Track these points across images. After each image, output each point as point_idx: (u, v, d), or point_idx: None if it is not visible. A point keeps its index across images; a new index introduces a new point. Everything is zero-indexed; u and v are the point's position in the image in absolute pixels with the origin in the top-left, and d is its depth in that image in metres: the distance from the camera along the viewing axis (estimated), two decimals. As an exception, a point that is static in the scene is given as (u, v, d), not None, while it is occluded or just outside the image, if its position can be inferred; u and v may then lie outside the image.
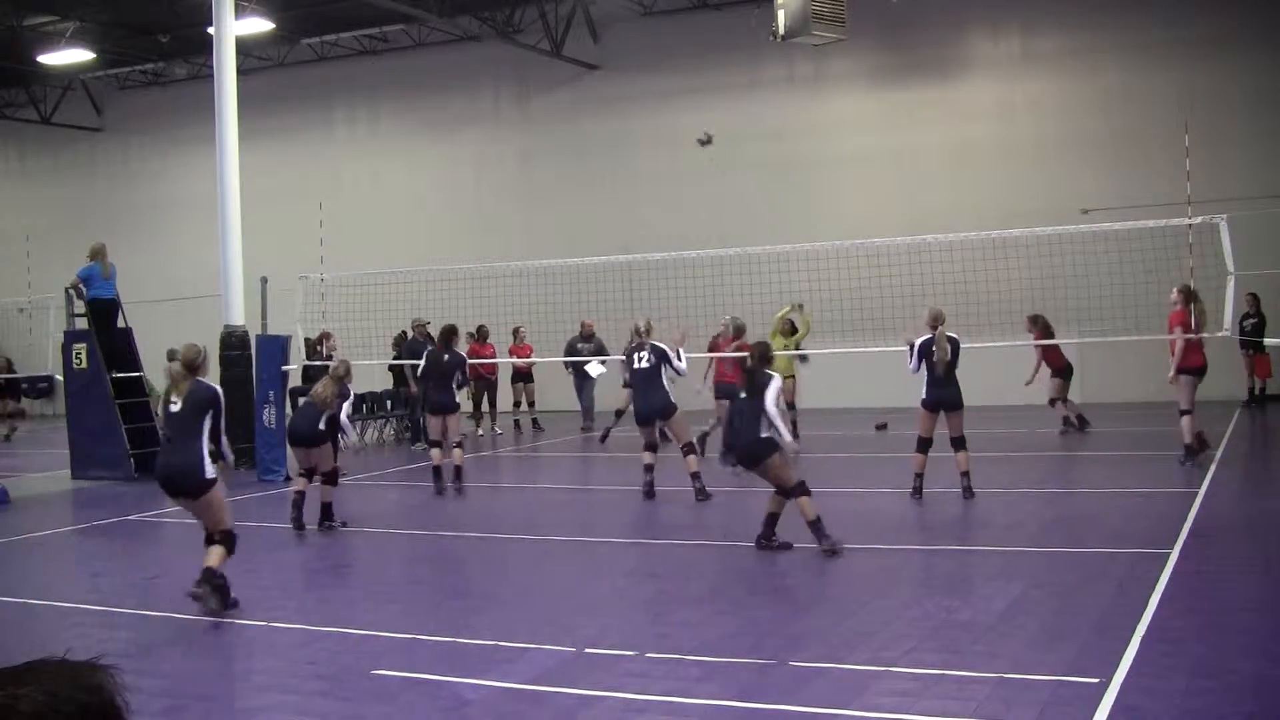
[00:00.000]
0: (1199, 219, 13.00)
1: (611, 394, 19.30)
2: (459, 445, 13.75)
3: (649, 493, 12.15)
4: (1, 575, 9.77)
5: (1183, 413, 13.08)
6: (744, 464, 9.34)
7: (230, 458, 8.30)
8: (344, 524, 11.26)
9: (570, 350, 20.48)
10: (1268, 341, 16.97)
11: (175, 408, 7.77)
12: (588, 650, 6.47)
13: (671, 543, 10.09)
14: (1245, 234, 14.23)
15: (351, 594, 8.77)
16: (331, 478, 11.33)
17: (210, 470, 7.66)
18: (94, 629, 7.46)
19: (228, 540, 7.69)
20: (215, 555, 7.62)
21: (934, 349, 11.24)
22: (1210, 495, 11.00)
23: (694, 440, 12.78)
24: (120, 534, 11.82)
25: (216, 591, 7.53)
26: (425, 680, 6.06)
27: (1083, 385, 21.32)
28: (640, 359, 12.37)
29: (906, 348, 11.58)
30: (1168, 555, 8.31)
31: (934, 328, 11.34)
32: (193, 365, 7.90)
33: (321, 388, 11.48)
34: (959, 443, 11.37)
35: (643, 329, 12.70)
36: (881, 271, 15.98)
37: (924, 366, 11.34)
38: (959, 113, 23.17)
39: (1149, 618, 6.64)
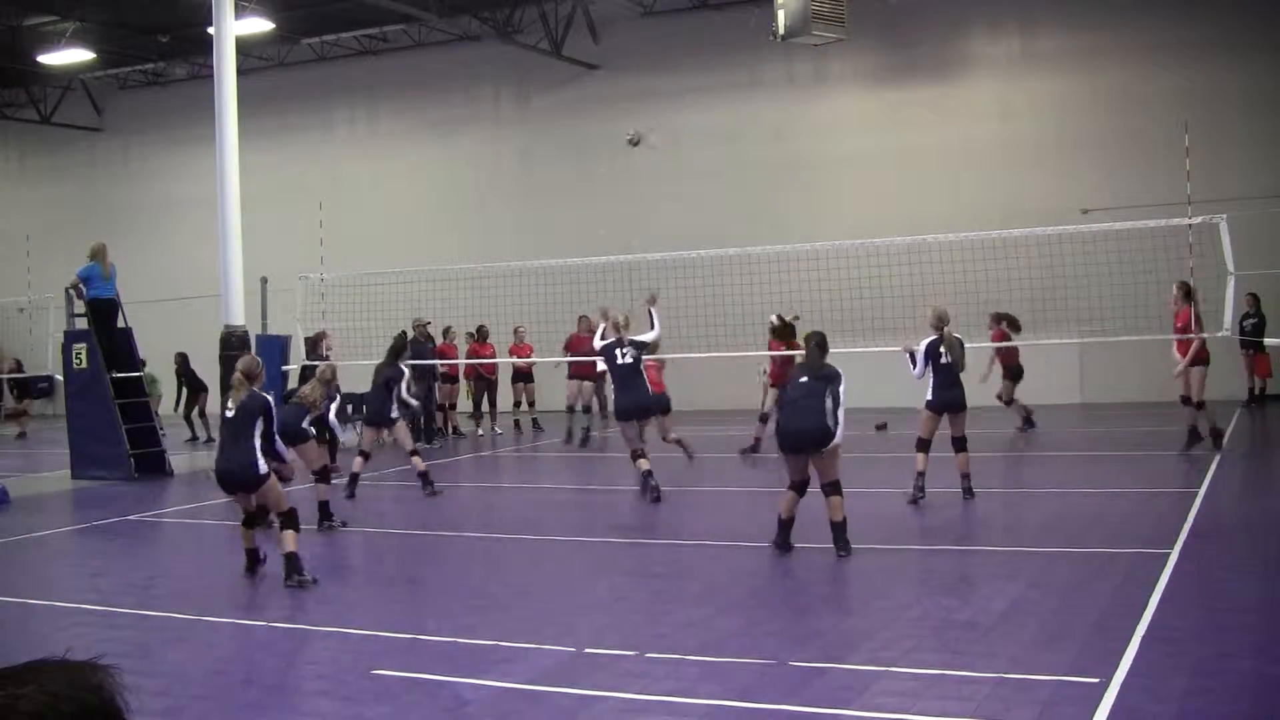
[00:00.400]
0: (1199, 219, 13.01)
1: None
2: (412, 453, 13.44)
3: (656, 497, 11.79)
4: (1, 575, 9.77)
5: (1199, 404, 13.64)
6: (815, 446, 8.73)
7: (287, 456, 9.12)
8: (344, 524, 11.20)
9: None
10: (1268, 341, 16.97)
11: (230, 413, 8.63)
12: (588, 650, 6.47)
13: (671, 543, 10.09)
14: (1245, 234, 14.24)
15: (351, 594, 8.77)
16: (323, 475, 11.21)
17: (263, 466, 8.50)
18: (94, 629, 7.46)
19: (291, 519, 8.52)
20: (290, 539, 8.45)
21: (942, 350, 10.98)
22: (1210, 495, 11.00)
23: (682, 438, 13.73)
24: (120, 534, 11.81)
25: (299, 569, 8.38)
26: (425, 680, 6.06)
27: (1083, 385, 21.37)
28: (624, 355, 12.12)
29: (906, 355, 11.32)
30: (1168, 555, 8.30)
31: (940, 329, 11.09)
32: (251, 375, 8.71)
33: (310, 390, 11.46)
34: (961, 443, 11.22)
35: (621, 323, 12.36)
36: (881, 271, 15.99)
37: (929, 369, 11.09)
38: (959, 113, 23.17)
39: (1149, 618, 6.63)
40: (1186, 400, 13.94)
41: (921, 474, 11.13)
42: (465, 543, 10.78)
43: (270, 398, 8.76)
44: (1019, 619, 6.89)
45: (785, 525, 8.89)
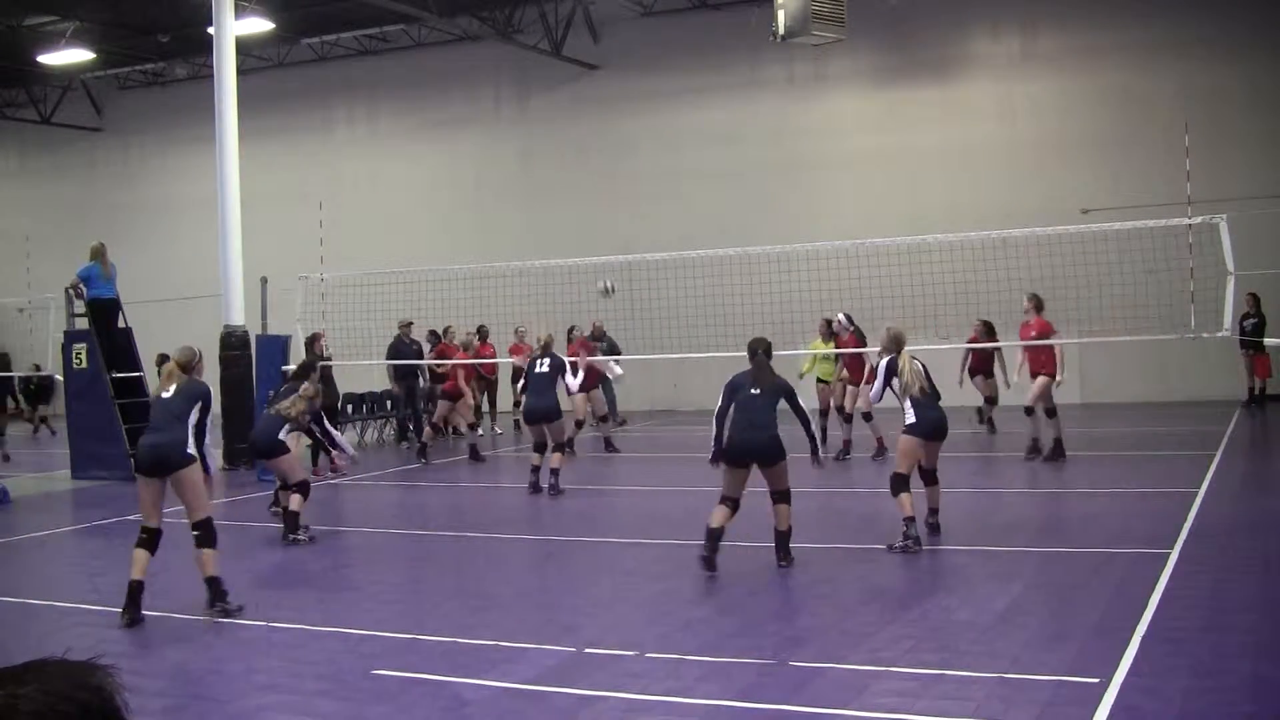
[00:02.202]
0: (1199, 219, 13.01)
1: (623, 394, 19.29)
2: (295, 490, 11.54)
3: (535, 489, 12.99)
4: (1, 575, 9.78)
5: (1049, 412, 13.88)
6: (768, 460, 8.55)
7: (212, 466, 8.19)
8: (311, 538, 10.54)
9: None
10: (1268, 341, 16.97)
11: (167, 395, 8.03)
12: (588, 650, 6.47)
13: (671, 543, 10.09)
14: (1245, 234, 14.22)
15: (351, 594, 8.77)
16: (302, 488, 10.65)
17: (191, 449, 7.79)
18: (94, 629, 7.46)
19: (208, 532, 7.78)
20: (209, 561, 7.76)
21: (899, 378, 9.55)
22: (1210, 495, 11.00)
23: (568, 441, 14.29)
24: (120, 534, 11.79)
25: (222, 595, 7.72)
26: (425, 680, 6.06)
27: (1083, 385, 21.36)
28: (541, 364, 13.26)
29: (881, 366, 9.88)
30: (1168, 555, 8.31)
31: (895, 351, 9.68)
32: (188, 366, 8.17)
33: (290, 404, 11.02)
34: (933, 476, 9.77)
35: (543, 340, 13.63)
36: (881, 271, 15.97)
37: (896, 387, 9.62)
38: (959, 113, 23.17)
39: (1149, 618, 6.64)
40: (1030, 410, 14.13)
41: (913, 519, 9.09)
42: (465, 543, 10.78)
43: (209, 388, 8.22)
44: (1019, 619, 6.89)
45: (717, 535, 8.41)
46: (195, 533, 7.79)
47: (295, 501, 10.60)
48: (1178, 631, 6.42)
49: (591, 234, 23.62)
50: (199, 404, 7.91)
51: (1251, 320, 19.04)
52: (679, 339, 16.89)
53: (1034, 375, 13.98)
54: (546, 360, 13.29)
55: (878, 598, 7.64)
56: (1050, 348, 13.87)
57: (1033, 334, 13.99)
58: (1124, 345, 16.47)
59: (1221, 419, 17.50)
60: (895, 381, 9.58)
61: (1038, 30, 23.14)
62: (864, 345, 15.22)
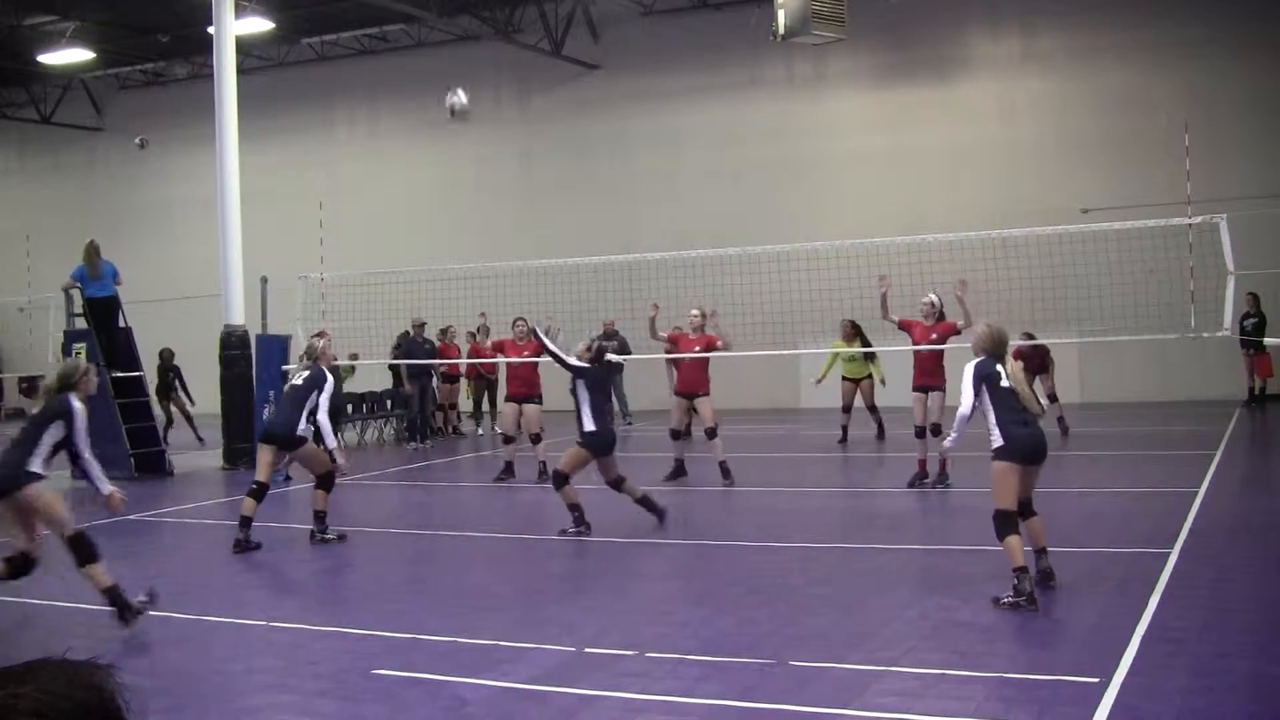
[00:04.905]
0: (1199, 219, 13.01)
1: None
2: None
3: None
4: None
5: (711, 432, 13.26)
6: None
7: (97, 480, 7.80)
8: (340, 535, 10.41)
9: None
10: (1268, 341, 16.97)
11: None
12: (588, 650, 6.47)
13: (671, 542, 10.08)
14: (1245, 234, 14.23)
15: (351, 594, 8.77)
16: (326, 482, 10.44)
17: (38, 467, 7.45)
18: (94, 629, 7.46)
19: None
20: (321, 498, 9.18)
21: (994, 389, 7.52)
22: (1210, 495, 11.00)
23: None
24: (120, 534, 11.80)
25: (119, 604, 7.28)
26: (425, 680, 6.06)
27: (1083, 385, 21.37)
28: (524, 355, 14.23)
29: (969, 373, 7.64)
30: (1168, 555, 8.31)
31: (995, 355, 7.67)
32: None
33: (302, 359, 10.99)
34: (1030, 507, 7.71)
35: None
36: (881, 271, 15.95)
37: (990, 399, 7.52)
38: (959, 113, 23.17)
39: (1149, 618, 6.63)
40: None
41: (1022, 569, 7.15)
42: (465, 543, 10.78)
43: (76, 407, 7.71)
44: (1019, 619, 6.89)
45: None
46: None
47: (321, 499, 10.36)
48: (1178, 631, 6.41)
49: (591, 234, 23.62)
50: (56, 423, 7.60)
51: (1252, 320, 19.05)
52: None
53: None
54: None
55: (878, 598, 7.63)
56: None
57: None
58: (1124, 345, 16.48)
59: (1221, 418, 17.50)
60: (986, 392, 7.50)
61: (1038, 30, 23.14)
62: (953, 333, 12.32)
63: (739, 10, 23.53)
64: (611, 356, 19.31)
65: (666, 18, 25.19)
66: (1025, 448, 7.40)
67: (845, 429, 16.74)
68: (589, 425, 10.30)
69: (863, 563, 8.81)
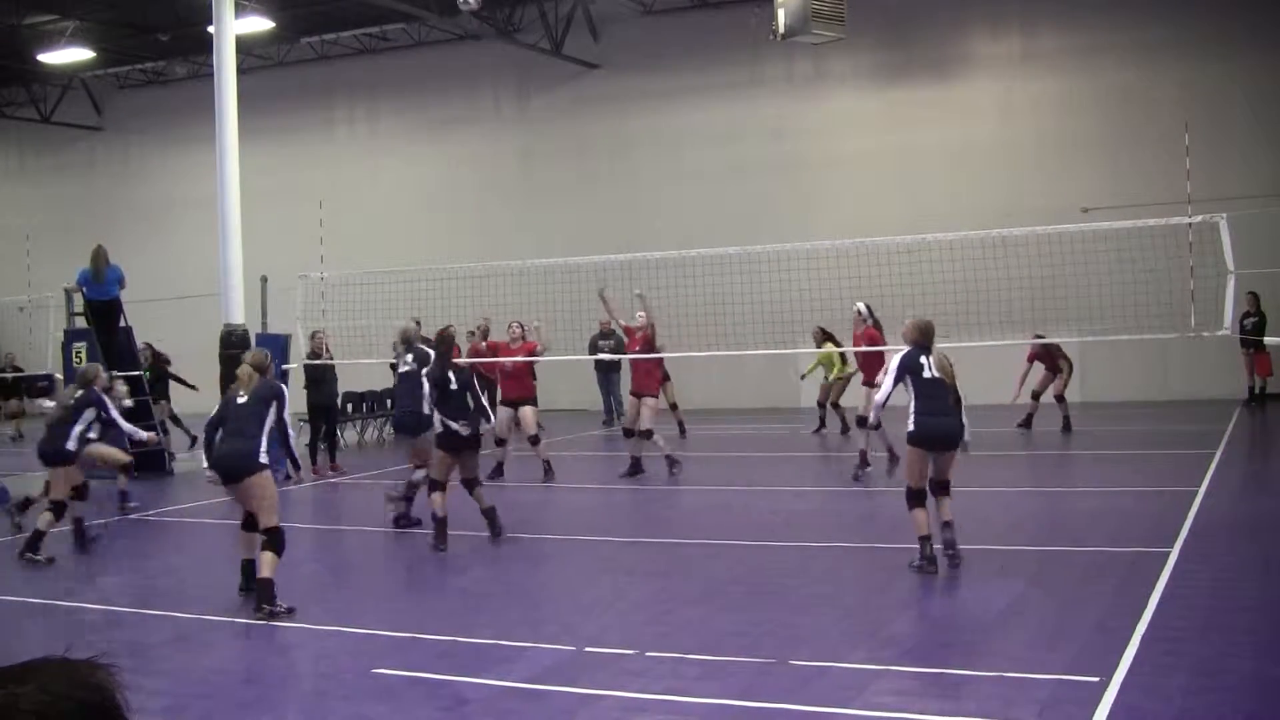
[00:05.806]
0: (1199, 218, 13.01)
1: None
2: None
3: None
4: (1, 575, 9.76)
5: (646, 433, 13.67)
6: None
7: (300, 461, 8.65)
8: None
9: (592, 348, 20.50)
10: (1268, 340, 16.97)
11: (242, 400, 8.14)
12: (588, 649, 6.47)
13: (671, 542, 10.09)
14: (1245, 233, 14.22)
15: (351, 594, 8.77)
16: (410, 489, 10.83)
17: (264, 457, 7.89)
18: (94, 629, 7.46)
19: (275, 539, 7.84)
20: (268, 564, 7.76)
21: (917, 376, 8.33)
22: (1210, 495, 11.00)
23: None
24: (121, 533, 11.81)
25: (270, 599, 7.60)
26: (425, 680, 6.06)
27: (1083, 385, 21.35)
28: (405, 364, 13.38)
29: (893, 363, 8.65)
30: (1168, 555, 8.30)
31: (921, 345, 8.45)
32: (262, 368, 8.43)
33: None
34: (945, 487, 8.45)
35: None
36: (881, 271, 15.96)
37: (913, 388, 8.36)
38: (959, 113, 23.17)
39: (1149, 618, 6.63)
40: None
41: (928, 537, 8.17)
42: (465, 543, 10.77)
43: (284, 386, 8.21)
44: (1019, 619, 6.89)
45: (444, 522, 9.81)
46: (263, 537, 7.86)
47: (438, 501, 10.11)
48: (1178, 631, 6.42)
49: (591, 234, 23.61)
50: (274, 404, 8.07)
51: (1251, 319, 19.05)
52: (678, 339, 16.86)
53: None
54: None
55: (878, 597, 7.63)
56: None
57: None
58: (1124, 344, 16.47)
59: (1221, 418, 17.49)
60: (909, 381, 8.27)
61: (1038, 30, 23.13)
62: (883, 341, 13.55)
63: (739, 10, 23.50)
64: (605, 356, 19.39)
65: (666, 17, 25.18)
66: (932, 435, 8.24)
67: (823, 419, 18.13)
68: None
69: (862, 562, 8.81)
